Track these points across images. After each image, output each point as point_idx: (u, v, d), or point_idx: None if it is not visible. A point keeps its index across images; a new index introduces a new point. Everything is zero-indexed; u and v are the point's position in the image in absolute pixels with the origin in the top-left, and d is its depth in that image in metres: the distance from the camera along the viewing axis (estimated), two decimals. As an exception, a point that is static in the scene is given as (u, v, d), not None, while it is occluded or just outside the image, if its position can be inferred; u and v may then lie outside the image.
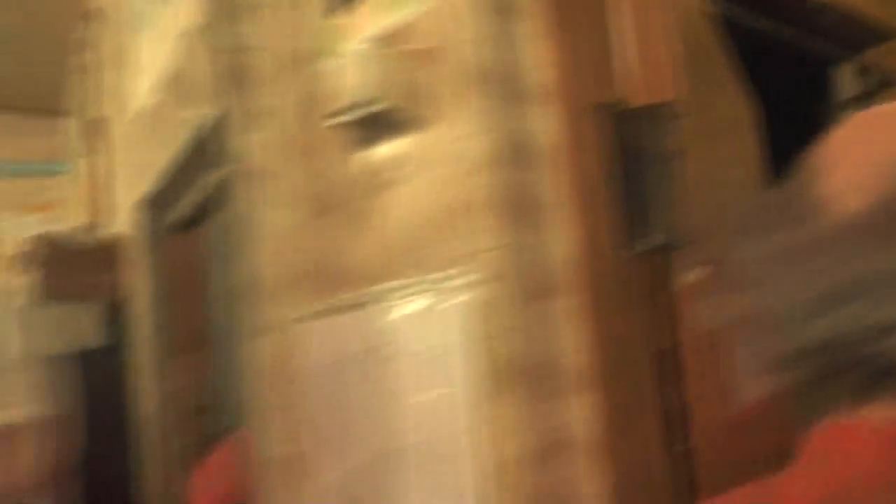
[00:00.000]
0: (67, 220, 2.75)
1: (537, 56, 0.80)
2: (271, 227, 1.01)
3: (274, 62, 1.02)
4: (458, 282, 0.81)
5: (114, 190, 2.39)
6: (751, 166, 1.16)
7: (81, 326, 2.35)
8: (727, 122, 1.12)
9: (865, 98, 2.25)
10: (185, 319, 1.99)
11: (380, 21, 0.89)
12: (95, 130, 2.59)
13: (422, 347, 0.83)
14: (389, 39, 0.87)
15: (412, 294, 0.86)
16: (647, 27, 0.86)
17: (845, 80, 2.27)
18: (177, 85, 1.78)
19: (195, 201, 2.03)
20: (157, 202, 2.13)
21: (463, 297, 0.80)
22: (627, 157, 0.80)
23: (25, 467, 1.56)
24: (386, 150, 0.90)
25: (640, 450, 0.79)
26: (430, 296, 0.84)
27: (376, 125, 0.88)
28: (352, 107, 0.86)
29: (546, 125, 0.79)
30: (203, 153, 1.75)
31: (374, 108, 0.85)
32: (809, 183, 0.51)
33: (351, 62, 0.86)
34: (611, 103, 0.80)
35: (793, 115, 1.75)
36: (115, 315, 2.37)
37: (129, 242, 2.26)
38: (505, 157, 0.78)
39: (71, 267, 2.39)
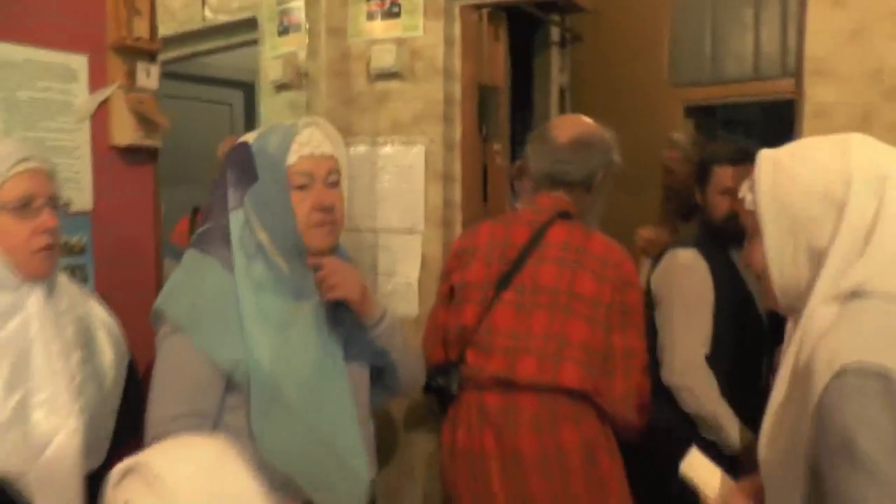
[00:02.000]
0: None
1: (459, 61, 2.16)
2: (323, 106, 2.27)
3: (327, 30, 2.24)
4: (418, 139, 2.18)
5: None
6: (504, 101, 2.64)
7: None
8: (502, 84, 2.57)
9: (564, 44, 3.90)
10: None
11: (394, 32, 2.17)
12: None
13: (401, 166, 2.21)
14: (399, 41, 2.17)
15: (396, 143, 2.21)
16: (494, 51, 2.26)
17: (555, 33, 3.92)
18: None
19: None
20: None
21: (420, 146, 2.18)
22: (484, 105, 2.23)
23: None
24: (388, 85, 2.22)
25: (475, 178, 2.26)
26: (404, 144, 2.20)
27: (387, 75, 2.20)
28: (380, 69, 2.16)
29: (459, 90, 2.18)
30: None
31: (389, 70, 2.16)
32: (546, 135, 1.97)
33: (383, 47, 2.15)
34: (481, 83, 2.21)
35: (530, 52, 3.43)
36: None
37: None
38: (442, 100, 2.15)
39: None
